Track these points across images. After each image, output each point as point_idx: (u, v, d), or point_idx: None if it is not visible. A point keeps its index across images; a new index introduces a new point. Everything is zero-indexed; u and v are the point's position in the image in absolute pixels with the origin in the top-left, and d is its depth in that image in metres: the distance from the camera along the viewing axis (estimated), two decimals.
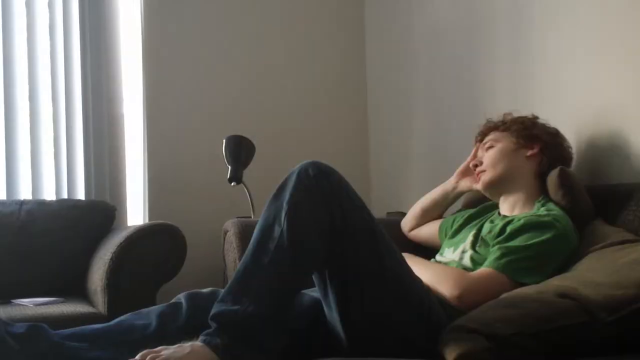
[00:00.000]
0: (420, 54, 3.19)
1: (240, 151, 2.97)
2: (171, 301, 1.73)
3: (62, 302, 2.53)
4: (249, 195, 3.04)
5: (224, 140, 3.01)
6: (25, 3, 3.15)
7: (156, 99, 3.32)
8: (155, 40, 3.32)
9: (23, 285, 2.71)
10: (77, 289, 2.72)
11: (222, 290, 1.76)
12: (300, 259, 1.54)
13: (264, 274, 1.52)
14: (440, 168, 3.02)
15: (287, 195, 1.57)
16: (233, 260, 2.26)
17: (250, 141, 3.00)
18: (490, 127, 2.15)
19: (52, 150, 3.17)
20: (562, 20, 2.34)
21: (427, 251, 2.18)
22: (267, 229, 1.56)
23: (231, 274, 2.33)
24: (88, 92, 3.19)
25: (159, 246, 2.44)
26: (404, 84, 3.31)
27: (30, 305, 2.45)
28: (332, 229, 1.57)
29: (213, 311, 1.51)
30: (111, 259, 2.39)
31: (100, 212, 2.95)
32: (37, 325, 1.56)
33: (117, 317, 2.25)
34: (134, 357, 1.45)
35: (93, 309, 2.42)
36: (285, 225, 1.53)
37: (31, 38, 3.15)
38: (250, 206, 3.04)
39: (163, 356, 1.40)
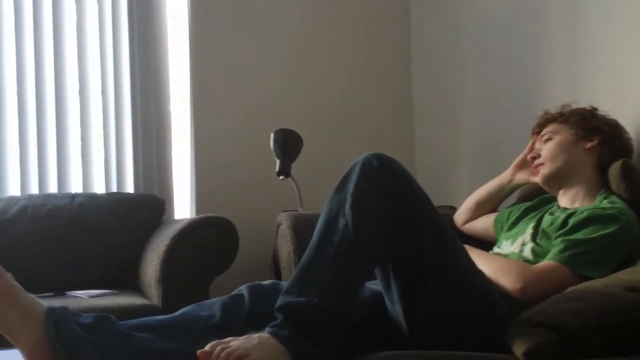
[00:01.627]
0: (468, 46, 3.16)
1: (289, 145, 2.97)
2: (233, 293, 1.73)
3: (115, 294, 2.56)
4: (297, 188, 3.05)
5: (272, 134, 3.01)
6: (75, 2, 3.19)
7: (203, 93, 3.33)
8: (201, 36, 3.33)
9: (75, 277, 2.74)
10: (128, 281, 2.75)
11: (283, 282, 1.78)
12: (364, 251, 1.54)
13: (329, 265, 1.52)
14: (489, 161, 3.00)
15: (351, 186, 1.57)
16: (287, 253, 2.27)
17: (298, 135, 3.00)
18: (548, 119, 2.12)
19: (102, 144, 3.21)
20: (622, 7, 2.29)
21: (479, 244, 2.16)
22: (331, 220, 1.56)
23: (285, 267, 2.34)
24: (136, 87, 3.23)
25: (212, 239, 2.46)
26: (450, 77, 3.28)
27: (85, 297, 2.49)
28: (396, 220, 1.56)
29: (279, 303, 1.51)
30: (165, 251, 2.41)
31: (150, 206, 2.98)
32: (104, 315, 1.58)
33: (171, 310, 2.28)
34: (200, 347, 1.46)
35: (147, 301, 2.45)
36: (349, 217, 1.53)
37: (81, 34, 3.19)
38: (299, 199, 3.04)
39: (232, 347, 1.40)
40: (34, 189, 3.10)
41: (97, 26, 3.21)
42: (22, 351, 1.50)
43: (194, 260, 2.43)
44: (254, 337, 1.44)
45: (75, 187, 3.17)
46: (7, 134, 3.09)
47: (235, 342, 1.42)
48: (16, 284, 1.55)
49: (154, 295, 2.43)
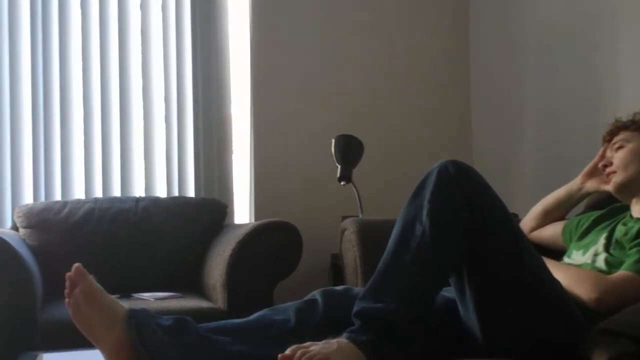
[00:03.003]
0: (530, 50, 3.13)
1: (350, 151, 2.98)
2: (306, 298, 1.75)
3: (180, 297, 2.59)
4: (357, 194, 3.05)
5: (333, 140, 3.03)
6: (140, 6, 3.25)
7: (263, 98, 3.37)
8: (263, 41, 3.37)
9: (140, 279, 2.78)
10: (190, 284, 2.79)
11: (356, 288, 1.79)
12: (441, 258, 1.54)
13: (406, 272, 1.53)
14: (551, 169, 2.97)
15: (427, 193, 1.57)
16: (353, 259, 2.27)
17: (359, 140, 3.01)
18: (620, 127, 2.09)
19: (164, 149, 3.26)
20: None
21: (545, 253, 2.13)
22: (408, 227, 1.56)
23: (350, 272, 2.35)
24: (198, 93, 3.27)
25: (278, 244, 2.47)
26: (511, 82, 3.26)
27: (151, 300, 2.52)
28: (473, 228, 1.56)
29: (356, 308, 1.52)
30: (231, 255, 2.44)
31: (212, 209, 3.02)
32: (183, 318, 1.60)
33: (237, 313, 2.30)
34: (277, 351, 1.47)
35: (212, 305, 2.47)
36: (427, 224, 1.53)
37: (145, 41, 3.25)
38: (359, 205, 3.05)
39: (313, 351, 1.41)
40: (98, 193, 3.16)
41: (160, 33, 3.26)
42: (104, 352, 1.53)
43: (259, 264, 2.46)
44: (333, 342, 1.45)
45: (138, 190, 3.22)
46: (73, 139, 3.16)
47: (315, 347, 1.42)
48: (98, 285, 1.58)
49: (220, 298, 2.46)
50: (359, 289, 1.74)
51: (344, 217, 3.11)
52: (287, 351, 1.43)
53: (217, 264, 2.53)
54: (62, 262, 2.70)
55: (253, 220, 3.31)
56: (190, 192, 3.27)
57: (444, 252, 1.54)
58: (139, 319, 1.53)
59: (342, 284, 3.11)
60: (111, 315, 1.54)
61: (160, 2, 3.27)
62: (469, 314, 1.63)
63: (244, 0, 3.39)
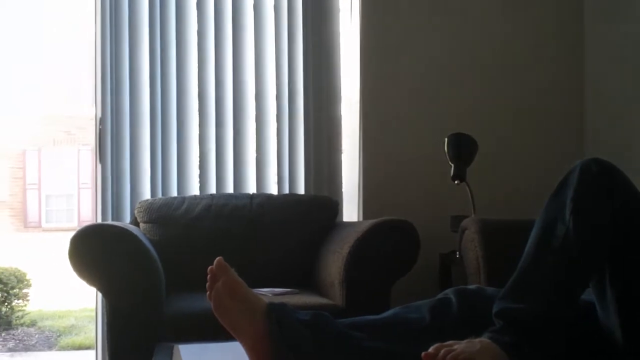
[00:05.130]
0: None
1: (464, 149, 2.95)
2: (438, 296, 1.73)
3: (296, 293, 2.62)
4: (470, 193, 3.02)
5: (446, 139, 3.00)
6: (253, 7, 3.30)
7: (373, 97, 3.37)
8: (373, 40, 3.37)
9: (255, 275, 2.78)
10: (304, 280, 2.81)
11: (488, 288, 1.76)
12: (585, 258, 1.50)
13: (548, 272, 1.50)
14: None
15: (570, 192, 1.53)
16: (475, 258, 2.25)
17: (473, 139, 2.97)
18: None
19: (276, 147, 3.30)
20: None
21: None
22: (550, 227, 1.53)
23: (472, 272, 2.32)
24: (309, 93, 3.30)
25: (396, 242, 2.46)
26: (625, 82, 3.16)
27: (269, 295, 2.56)
28: (616, 227, 1.51)
29: (496, 308, 1.50)
30: (349, 252, 2.44)
31: (325, 207, 3.04)
32: (321, 313, 1.62)
33: (354, 311, 2.31)
34: (413, 349, 1.47)
35: (330, 301, 2.49)
36: (570, 224, 1.50)
37: (258, 40, 3.30)
38: (472, 204, 3.01)
39: (457, 350, 1.40)
40: (212, 189, 3.23)
41: (273, 33, 3.31)
42: (245, 345, 1.55)
43: (377, 262, 2.45)
44: (475, 342, 1.44)
45: (250, 187, 3.27)
46: (189, 137, 3.23)
47: (459, 346, 1.41)
48: (240, 279, 1.61)
49: (337, 295, 2.47)
50: (491, 289, 1.72)
51: (454, 217, 3.10)
52: (431, 349, 1.42)
53: (334, 261, 2.54)
54: (181, 256, 2.81)
55: (361, 219, 3.32)
56: (300, 190, 3.30)
57: (588, 253, 1.50)
58: (279, 313, 1.56)
59: (451, 283, 3.11)
60: (252, 308, 1.56)
61: (273, 3, 3.31)
62: (608, 315, 1.58)
63: (355, 0, 3.40)
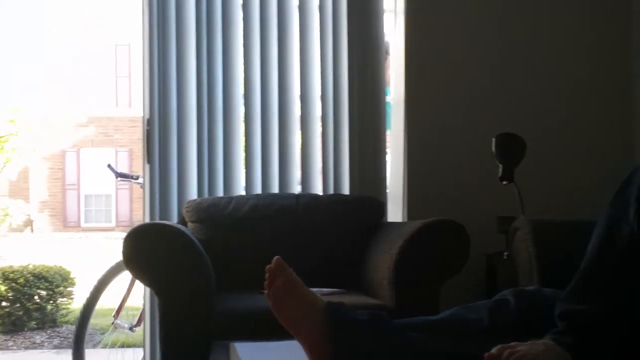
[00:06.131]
0: None
1: (512, 149, 2.92)
2: (495, 297, 1.72)
3: (344, 293, 2.62)
4: (519, 193, 2.99)
5: (494, 139, 2.97)
6: (298, 7, 3.31)
7: (417, 97, 3.36)
8: (418, 39, 3.36)
9: (302, 275, 2.82)
10: (350, 280, 2.81)
11: (546, 289, 1.75)
12: None
13: (612, 273, 1.48)
14: None
15: (634, 191, 1.51)
16: (527, 259, 2.23)
17: (521, 139, 2.94)
18: None
19: (320, 147, 3.31)
20: None
21: None
22: (613, 227, 1.51)
23: (525, 272, 2.30)
24: (354, 93, 3.30)
25: (446, 242, 2.46)
26: None
27: (317, 295, 2.56)
28: None
29: (559, 310, 1.49)
30: (399, 252, 2.44)
31: (371, 207, 3.03)
32: (378, 313, 1.62)
33: (404, 311, 2.30)
34: (474, 350, 1.46)
35: (379, 301, 2.48)
36: (635, 223, 1.47)
37: (304, 39, 3.31)
38: (520, 205, 2.98)
39: (521, 352, 1.39)
40: (257, 189, 3.25)
41: (318, 34, 3.32)
42: (303, 344, 1.56)
43: (427, 263, 2.45)
44: (539, 344, 1.43)
45: (295, 187, 3.28)
46: (236, 138, 3.25)
47: (523, 348, 1.40)
48: (298, 278, 1.62)
49: (386, 296, 2.47)
50: (549, 290, 1.71)
51: (500, 218, 3.08)
52: (494, 350, 1.41)
53: (383, 261, 2.53)
54: (228, 255, 2.82)
55: (406, 219, 3.31)
56: (345, 191, 3.30)
57: None
58: (338, 313, 1.56)
59: (497, 285, 3.09)
60: (310, 308, 1.57)
61: (318, 4, 3.32)
62: None
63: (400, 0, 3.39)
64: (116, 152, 18.59)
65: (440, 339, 1.58)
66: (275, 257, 1.63)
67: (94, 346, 5.55)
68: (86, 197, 18.62)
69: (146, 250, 2.33)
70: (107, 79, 18.55)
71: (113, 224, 18.23)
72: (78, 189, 18.58)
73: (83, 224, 18.33)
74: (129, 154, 18.56)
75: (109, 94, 18.65)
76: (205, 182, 3.21)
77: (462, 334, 1.60)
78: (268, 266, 1.62)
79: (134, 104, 18.42)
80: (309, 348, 1.55)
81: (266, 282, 1.61)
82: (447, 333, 1.60)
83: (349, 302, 2.39)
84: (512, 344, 1.43)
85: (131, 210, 18.36)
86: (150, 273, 2.34)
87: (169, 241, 2.37)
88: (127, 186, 17.72)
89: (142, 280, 2.39)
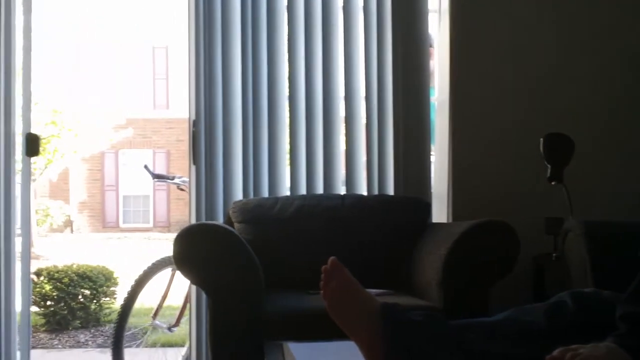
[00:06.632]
0: None
1: (560, 150, 2.89)
2: (552, 300, 1.70)
3: (392, 293, 2.61)
4: (567, 194, 2.95)
5: (542, 139, 2.94)
6: (342, 8, 3.31)
7: (463, 96, 3.34)
8: (463, 38, 3.33)
9: None
10: (397, 281, 2.80)
11: (603, 291, 1.72)
12: None
13: None
14: None
15: None
16: (580, 261, 2.20)
17: (570, 139, 2.91)
18: None
19: (365, 148, 3.31)
20: None
21: None
22: None
23: (578, 275, 2.27)
24: (398, 94, 3.29)
25: (495, 243, 2.43)
26: None
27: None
28: None
29: (621, 312, 1.47)
30: (448, 253, 2.42)
31: (417, 208, 3.03)
32: (434, 314, 1.61)
33: (453, 312, 2.29)
34: (532, 353, 1.46)
35: (427, 303, 2.47)
36: None
37: (348, 39, 3.31)
38: (569, 206, 2.95)
39: (583, 354, 1.38)
40: (302, 190, 3.25)
41: (362, 34, 3.32)
42: (360, 344, 1.56)
43: (477, 264, 2.43)
44: (601, 346, 1.41)
45: (340, 188, 3.28)
46: (280, 138, 3.27)
47: (585, 350, 1.39)
48: (354, 279, 1.62)
49: (435, 297, 2.45)
50: (608, 292, 1.68)
51: (548, 219, 3.04)
52: (555, 353, 1.40)
53: (432, 262, 2.52)
54: (274, 255, 2.83)
55: (450, 220, 3.29)
56: (389, 191, 3.29)
57: None
58: (393, 313, 1.56)
59: (544, 287, 3.05)
60: (367, 308, 1.57)
61: (362, 5, 3.32)
62: None
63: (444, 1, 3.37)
64: (154, 153, 18.76)
65: (499, 341, 1.57)
66: (331, 258, 1.63)
67: (138, 346, 5.61)
68: (124, 197, 18.83)
69: (197, 251, 2.35)
70: (144, 81, 18.75)
71: (151, 224, 18.40)
72: (117, 190, 18.80)
73: (121, 225, 18.53)
74: (167, 155, 18.73)
75: (147, 96, 18.85)
76: (250, 183, 3.23)
77: (520, 336, 1.58)
78: (324, 266, 1.62)
79: (171, 106, 18.59)
80: (365, 348, 1.55)
81: (322, 283, 1.62)
82: (505, 335, 1.59)
83: (405, 302, 2.40)
84: (574, 346, 1.41)
85: (168, 211, 18.53)
86: (201, 273, 2.36)
87: (219, 241, 2.39)
88: (165, 187, 17.89)
89: (192, 280, 2.41)
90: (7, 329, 3.12)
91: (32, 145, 3.19)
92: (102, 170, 18.78)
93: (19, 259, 3.23)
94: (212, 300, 2.35)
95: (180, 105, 18.29)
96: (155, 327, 3.78)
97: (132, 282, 3.56)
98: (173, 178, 3.87)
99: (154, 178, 4.02)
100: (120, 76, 17.91)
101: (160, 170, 16.91)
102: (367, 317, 1.56)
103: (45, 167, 11.99)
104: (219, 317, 2.33)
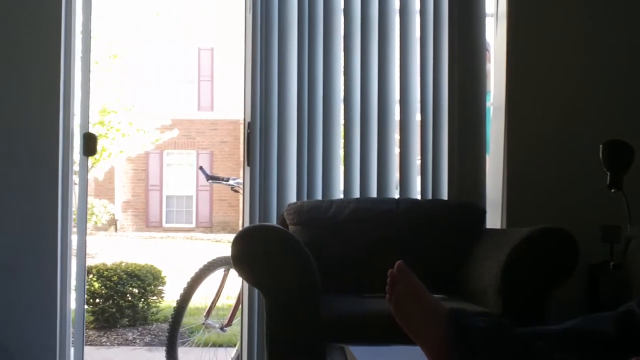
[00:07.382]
0: None
1: (620, 157, 2.85)
2: (620, 309, 1.68)
3: (447, 299, 2.59)
4: (626, 202, 2.90)
5: (602, 146, 2.90)
6: (399, 11, 3.31)
7: (520, 104, 3.31)
8: (520, 40, 3.31)
9: None
10: (450, 287, 2.78)
11: None
12: None
13: None
14: None
15: None
16: None
17: (630, 145, 2.86)
18: None
19: (419, 152, 3.29)
20: None
21: None
22: None
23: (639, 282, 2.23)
24: (454, 99, 3.27)
25: (554, 250, 2.40)
26: None
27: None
28: None
29: None
30: (507, 259, 2.40)
31: (472, 214, 3.00)
32: (501, 320, 1.61)
33: (511, 319, 2.26)
34: None
35: (484, 309, 2.45)
36: None
37: (404, 45, 3.30)
38: (627, 214, 2.90)
39: None
40: (355, 193, 3.25)
41: (418, 38, 3.31)
42: (426, 350, 1.56)
43: (535, 271, 2.40)
44: None
45: (394, 192, 3.27)
46: (335, 142, 3.27)
47: None
48: (421, 283, 1.61)
49: (492, 303, 2.43)
50: None
51: (605, 227, 3.00)
52: None
53: (489, 268, 2.50)
54: (329, 258, 2.84)
55: (504, 226, 3.26)
56: (443, 195, 3.27)
57: None
58: (461, 319, 1.55)
59: (599, 295, 3.01)
60: (433, 313, 1.56)
61: (419, 8, 3.31)
62: None
63: (502, 2, 3.34)
64: (197, 154, 18.94)
65: (564, 350, 1.55)
66: (398, 262, 1.63)
67: (185, 345, 5.67)
68: (168, 197, 19.04)
69: (256, 252, 2.36)
70: (190, 82, 18.95)
71: (193, 224, 18.58)
72: (160, 190, 19.02)
73: (164, 224, 18.74)
74: (210, 156, 18.90)
75: (192, 97, 19.04)
76: (304, 185, 3.23)
77: (589, 345, 1.56)
78: (390, 270, 1.62)
79: (216, 108, 18.76)
80: (432, 354, 1.55)
81: (387, 287, 1.61)
82: (571, 344, 1.57)
83: (463, 308, 2.38)
84: None
85: (211, 212, 18.69)
86: (258, 274, 2.38)
87: (276, 243, 2.40)
88: (208, 188, 18.05)
89: (250, 281, 2.42)
90: (63, 326, 3.18)
91: (90, 144, 3.25)
92: (146, 170, 19.02)
93: (74, 256, 3.29)
94: (270, 301, 2.36)
95: (224, 106, 18.45)
96: (207, 327, 3.81)
97: (187, 282, 3.59)
98: (227, 180, 3.91)
99: (208, 179, 4.06)
100: (166, 77, 18.13)
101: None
102: (434, 322, 1.55)
103: (93, 166, 12.18)
104: (276, 319, 2.34)
